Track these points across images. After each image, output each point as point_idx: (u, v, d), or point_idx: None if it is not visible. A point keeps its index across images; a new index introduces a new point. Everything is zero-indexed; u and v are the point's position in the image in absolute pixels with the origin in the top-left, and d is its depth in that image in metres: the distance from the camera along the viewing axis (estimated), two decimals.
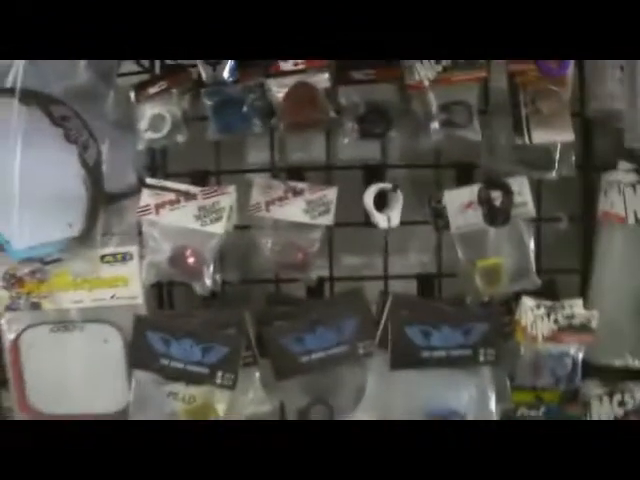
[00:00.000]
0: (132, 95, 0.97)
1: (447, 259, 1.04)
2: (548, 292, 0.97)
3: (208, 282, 0.94)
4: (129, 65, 1.01)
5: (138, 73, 1.01)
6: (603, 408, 0.99)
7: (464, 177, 0.99)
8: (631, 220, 0.96)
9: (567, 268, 1.04)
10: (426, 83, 0.88)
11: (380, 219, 0.90)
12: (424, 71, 0.88)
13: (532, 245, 0.94)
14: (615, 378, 0.99)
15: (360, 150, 1.00)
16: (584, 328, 0.94)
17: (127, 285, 0.99)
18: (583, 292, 1.04)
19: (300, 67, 0.89)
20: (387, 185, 0.91)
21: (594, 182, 1.02)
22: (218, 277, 0.96)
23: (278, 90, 0.90)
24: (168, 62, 1.01)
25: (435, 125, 0.90)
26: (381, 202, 0.92)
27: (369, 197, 0.90)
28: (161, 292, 1.05)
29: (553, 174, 0.93)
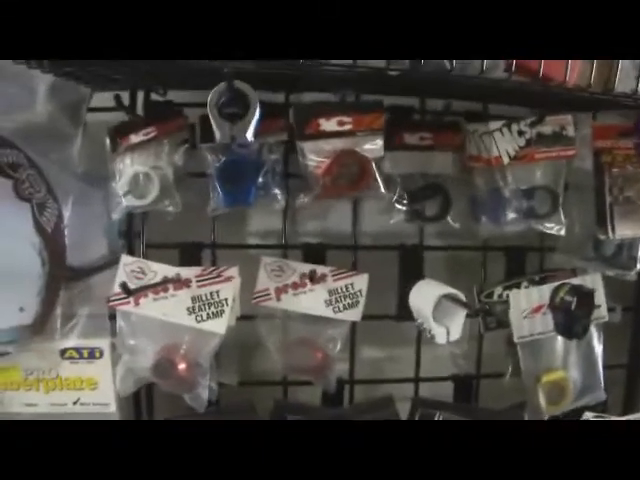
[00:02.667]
0: (107, 143, 0.70)
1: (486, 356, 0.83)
2: None
3: (204, 394, 0.71)
4: (104, 98, 0.73)
5: (113, 109, 0.73)
6: None
7: (516, 265, 0.78)
8: None
9: (615, 364, 0.85)
10: (505, 160, 0.66)
11: (438, 332, 0.67)
12: (504, 144, 0.65)
13: (601, 354, 0.75)
14: None
15: (392, 224, 0.76)
16: None
17: (95, 388, 0.75)
18: (629, 388, 0.86)
19: (347, 127, 0.65)
20: (455, 293, 0.68)
21: None
22: (214, 383, 0.71)
23: (315, 158, 0.65)
24: (156, 100, 0.74)
25: (511, 214, 0.68)
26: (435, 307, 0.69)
27: (427, 305, 0.67)
28: (138, 396, 0.79)
29: (632, 273, 0.73)
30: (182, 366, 0.70)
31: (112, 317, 0.73)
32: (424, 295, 0.69)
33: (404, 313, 0.75)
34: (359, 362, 0.82)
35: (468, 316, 0.76)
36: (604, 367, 0.82)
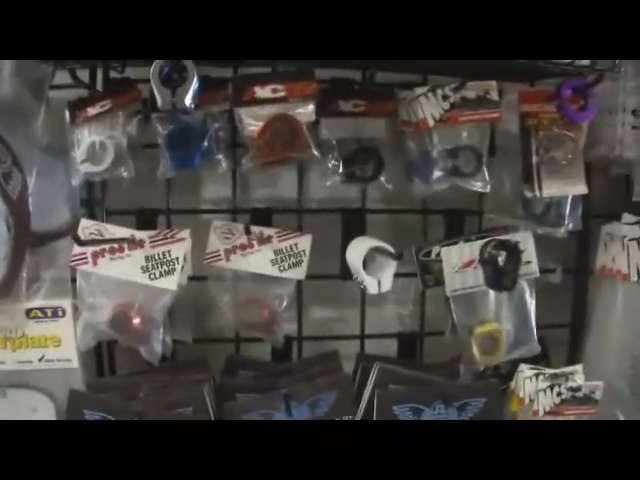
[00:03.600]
0: (67, 115, 0.74)
1: (429, 314, 0.86)
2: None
3: (157, 347, 0.74)
4: (66, 76, 0.77)
5: (74, 86, 0.77)
6: None
7: (455, 226, 0.81)
8: (634, 277, 0.81)
9: (558, 323, 0.89)
10: (431, 122, 0.69)
11: (370, 283, 0.71)
12: (429, 108, 0.69)
13: (534, 308, 0.78)
14: None
15: (336, 190, 0.80)
16: (588, 400, 0.78)
17: (59, 346, 0.78)
18: (572, 347, 0.89)
19: (280, 94, 0.69)
20: (383, 245, 0.71)
21: (590, 232, 0.86)
22: (168, 338, 0.75)
23: (251, 123, 0.69)
24: (112, 76, 0.78)
25: (437, 172, 0.71)
26: (368, 259, 0.72)
27: (359, 256, 0.70)
28: (100, 353, 0.83)
29: (562, 231, 0.76)
30: (137, 320, 0.74)
31: (74, 280, 0.76)
32: (356, 249, 0.73)
33: (347, 273, 0.79)
34: (307, 322, 0.86)
35: (409, 275, 0.80)
36: (548, 326, 0.86)
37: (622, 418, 0.84)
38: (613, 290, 0.84)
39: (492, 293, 0.77)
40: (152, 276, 0.74)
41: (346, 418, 0.75)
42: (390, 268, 0.72)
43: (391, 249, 0.71)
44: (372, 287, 0.71)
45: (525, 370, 0.79)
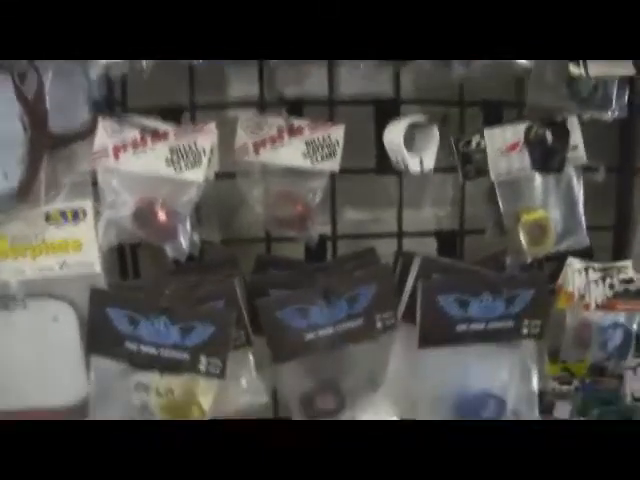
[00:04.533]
0: None
1: (468, 214, 0.82)
2: (582, 252, 0.77)
3: (184, 243, 0.70)
4: None
5: None
6: (636, 380, 0.80)
7: (493, 117, 0.76)
8: None
9: (602, 225, 0.83)
10: None
11: (411, 161, 0.66)
12: None
13: (582, 197, 0.73)
14: None
15: (368, 83, 0.75)
16: None
17: (80, 250, 0.73)
18: (616, 251, 0.84)
19: None
20: (420, 118, 0.66)
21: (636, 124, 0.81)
22: (196, 237, 0.70)
23: None
24: None
25: None
26: (407, 141, 0.67)
27: (398, 134, 0.65)
28: (123, 257, 0.79)
29: (609, 114, 0.71)
30: (162, 215, 0.69)
31: (94, 184, 0.72)
32: (395, 128, 0.68)
33: (383, 167, 0.74)
34: (341, 223, 0.81)
35: (446, 171, 0.75)
36: (591, 228, 0.80)
37: None
38: None
39: (539, 179, 0.72)
40: (177, 168, 0.69)
41: (387, 314, 0.70)
42: (432, 145, 0.67)
43: (423, 118, 0.66)
44: (414, 166, 0.67)
45: (574, 263, 0.74)
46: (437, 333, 0.69)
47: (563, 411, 0.81)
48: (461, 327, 0.69)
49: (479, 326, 0.70)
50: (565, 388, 0.81)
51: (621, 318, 0.75)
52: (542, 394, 0.82)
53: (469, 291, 0.69)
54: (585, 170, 0.76)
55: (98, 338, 0.69)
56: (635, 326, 0.75)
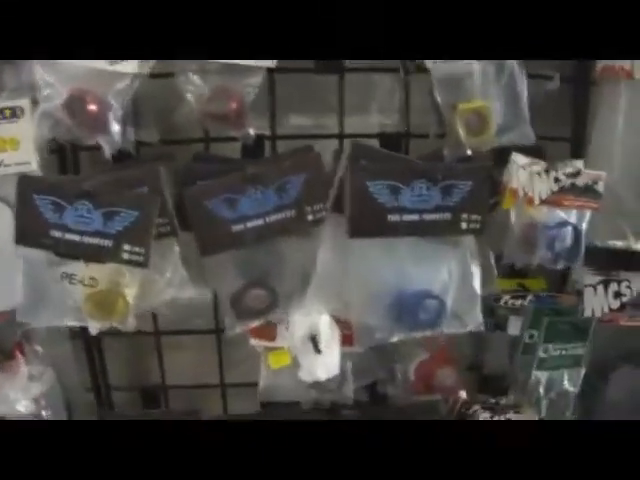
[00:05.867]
0: None
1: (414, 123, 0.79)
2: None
3: (116, 136, 0.68)
4: None
5: None
6: (597, 299, 0.77)
7: None
8: (638, 74, 0.72)
9: (557, 136, 0.79)
10: None
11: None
12: None
13: (525, 90, 0.69)
14: (611, 265, 0.77)
15: None
16: (590, 191, 0.69)
17: (17, 148, 0.72)
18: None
19: None
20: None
21: None
22: (131, 132, 0.69)
23: None
24: None
25: None
26: None
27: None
28: (64, 160, 0.77)
29: None
30: (92, 106, 0.68)
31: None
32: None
33: (322, 66, 0.72)
34: (281, 128, 0.78)
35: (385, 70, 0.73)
36: (545, 138, 0.76)
37: (633, 243, 0.74)
38: (615, 92, 0.75)
39: (479, 72, 0.69)
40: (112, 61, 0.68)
41: (318, 206, 0.67)
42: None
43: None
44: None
45: (519, 158, 0.70)
46: (367, 222, 0.66)
47: (517, 327, 0.76)
48: (394, 217, 0.66)
49: (413, 217, 0.66)
50: (519, 302, 0.77)
51: (571, 217, 0.71)
52: (495, 309, 0.78)
53: (400, 178, 0.65)
54: (540, 78, 0.73)
55: (25, 227, 0.67)
56: (585, 225, 0.70)
